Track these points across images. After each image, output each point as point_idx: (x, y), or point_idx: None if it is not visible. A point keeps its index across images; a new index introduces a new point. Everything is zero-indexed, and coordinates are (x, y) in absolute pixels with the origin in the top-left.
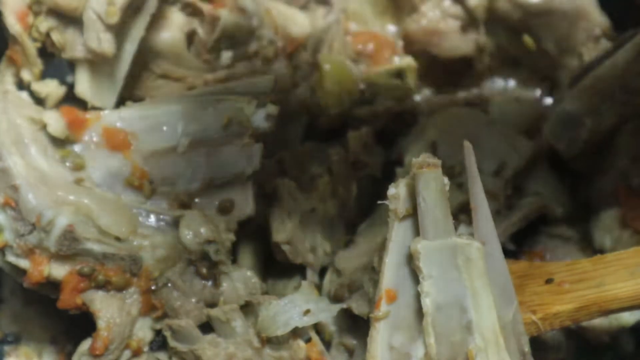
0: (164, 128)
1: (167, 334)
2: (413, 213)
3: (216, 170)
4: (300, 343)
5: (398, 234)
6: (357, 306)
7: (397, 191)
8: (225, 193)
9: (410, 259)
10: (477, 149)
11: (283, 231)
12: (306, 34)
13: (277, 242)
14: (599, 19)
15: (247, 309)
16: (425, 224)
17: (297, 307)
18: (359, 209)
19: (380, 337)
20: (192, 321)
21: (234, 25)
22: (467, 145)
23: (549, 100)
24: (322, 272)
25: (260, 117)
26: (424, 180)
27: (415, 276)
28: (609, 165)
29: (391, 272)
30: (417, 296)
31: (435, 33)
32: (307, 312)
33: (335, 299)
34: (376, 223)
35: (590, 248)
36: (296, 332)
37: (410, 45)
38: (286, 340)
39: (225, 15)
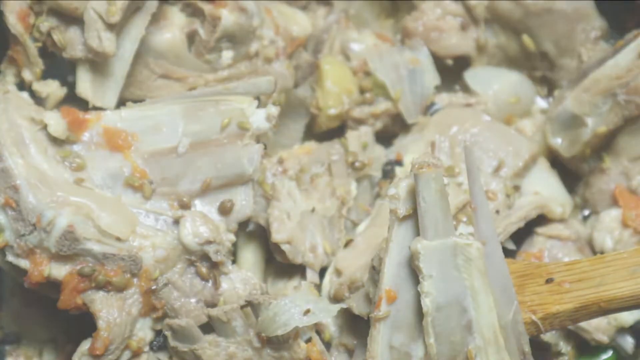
0: (164, 128)
1: (168, 333)
2: (413, 213)
3: (216, 170)
4: (301, 343)
5: (398, 234)
6: (357, 306)
7: (397, 191)
8: (225, 193)
9: (411, 259)
10: (477, 149)
11: (283, 231)
12: (307, 34)
13: (277, 242)
14: (597, 21)
15: (247, 309)
16: (425, 224)
17: (297, 307)
18: (359, 209)
19: (381, 337)
20: (192, 321)
21: (235, 25)
22: (467, 145)
23: (548, 101)
24: (322, 272)
25: (260, 118)
26: (424, 180)
27: (415, 276)
28: (608, 165)
29: (391, 272)
30: (417, 296)
31: (435, 30)
32: (307, 312)
33: (335, 299)
34: (376, 223)
35: (589, 248)
36: (296, 332)
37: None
38: (286, 340)
39: (226, 15)
